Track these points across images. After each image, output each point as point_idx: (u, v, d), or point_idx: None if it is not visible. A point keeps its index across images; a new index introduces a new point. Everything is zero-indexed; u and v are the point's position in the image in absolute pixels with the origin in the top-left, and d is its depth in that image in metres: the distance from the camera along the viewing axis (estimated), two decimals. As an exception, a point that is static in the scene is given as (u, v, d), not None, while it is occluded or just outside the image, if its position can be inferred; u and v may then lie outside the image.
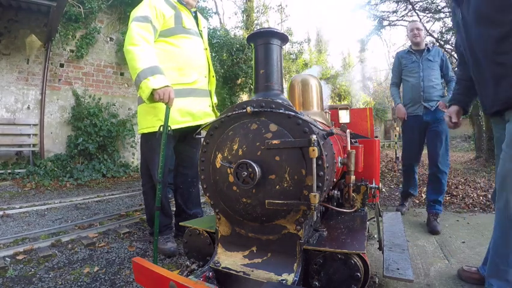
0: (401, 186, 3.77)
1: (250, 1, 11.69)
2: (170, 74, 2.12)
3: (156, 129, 2.08)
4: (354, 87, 18.07)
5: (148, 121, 2.21)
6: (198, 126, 1.62)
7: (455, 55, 5.74)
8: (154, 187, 2.24)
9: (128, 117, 6.50)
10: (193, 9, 2.45)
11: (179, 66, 2.19)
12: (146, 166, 2.36)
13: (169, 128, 1.98)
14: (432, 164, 3.02)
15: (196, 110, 2.26)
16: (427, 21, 8.20)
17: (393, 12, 8.56)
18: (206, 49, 2.40)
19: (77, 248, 2.37)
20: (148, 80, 1.90)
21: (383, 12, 8.79)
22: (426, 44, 3.27)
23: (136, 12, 2.09)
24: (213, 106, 2.46)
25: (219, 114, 2.32)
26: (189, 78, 2.23)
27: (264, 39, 1.25)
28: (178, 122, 2.17)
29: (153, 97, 1.95)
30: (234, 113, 1.20)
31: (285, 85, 2.17)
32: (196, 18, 2.43)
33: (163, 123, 1.97)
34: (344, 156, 1.58)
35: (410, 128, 3.26)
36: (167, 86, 1.94)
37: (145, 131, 2.23)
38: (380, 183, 1.74)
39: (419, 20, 7.26)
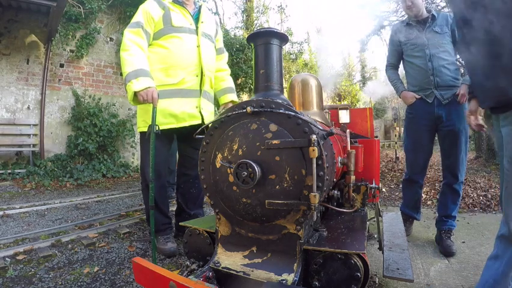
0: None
1: (250, 1, 11.69)
2: (156, 76, 2.17)
3: (146, 129, 2.16)
4: (354, 88, 18.07)
5: (140, 121, 2.32)
6: (198, 126, 1.61)
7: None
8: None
9: (128, 117, 6.51)
10: (199, 4, 2.43)
11: (166, 67, 2.21)
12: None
13: (156, 128, 2.02)
14: (449, 173, 2.43)
15: (179, 112, 2.21)
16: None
17: (394, 12, 8.55)
18: (198, 46, 2.27)
19: (77, 248, 2.37)
20: (131, 83, 1.96)
21: (383, 12, 8.77)
22: (429, 11, 2.45)
23: (132, 19, 2.18)
24: (199, 107, 2.31)
25: (206, 115, 2.31)
26: (175, 79, 2.21)
27: (264, 39, 1.25)
28: (161, 123, 2.14)
29: (137, 99, 2.01)
30: (234, 113, 1.20)
31: (285, 85, 2.17)
32: (198, 13, 2.38)
33: (150, 124, 2.03)
34: (344, 156, 1.58)
35: (415, 120, 2.50)
36: (150, 87, 1.98)
37: (139, 130, 2.33)
38: (380, 183, 1.74)
39: None
